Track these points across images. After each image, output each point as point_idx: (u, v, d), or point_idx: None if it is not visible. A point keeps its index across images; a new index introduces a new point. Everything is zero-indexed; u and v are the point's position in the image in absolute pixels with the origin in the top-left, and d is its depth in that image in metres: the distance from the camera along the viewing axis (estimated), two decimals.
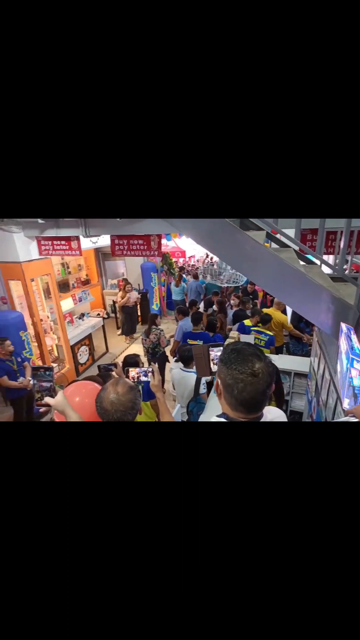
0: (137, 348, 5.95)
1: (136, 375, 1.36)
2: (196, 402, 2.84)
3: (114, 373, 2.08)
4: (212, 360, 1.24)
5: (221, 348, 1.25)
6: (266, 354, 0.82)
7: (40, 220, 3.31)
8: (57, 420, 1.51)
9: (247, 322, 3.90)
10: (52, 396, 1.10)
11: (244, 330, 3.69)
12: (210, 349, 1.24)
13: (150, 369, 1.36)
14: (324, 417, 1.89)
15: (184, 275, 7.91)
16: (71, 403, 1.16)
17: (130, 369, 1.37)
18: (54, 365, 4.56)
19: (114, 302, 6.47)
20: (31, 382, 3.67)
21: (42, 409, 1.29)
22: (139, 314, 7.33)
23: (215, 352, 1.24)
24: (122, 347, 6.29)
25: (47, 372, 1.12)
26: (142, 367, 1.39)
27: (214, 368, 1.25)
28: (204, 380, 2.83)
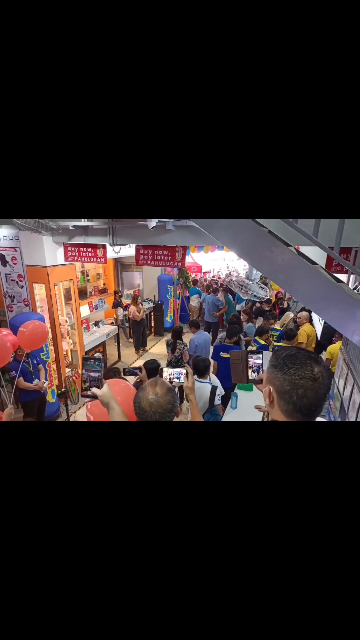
0: (141, 363, 5.96)
1: (169, 377, 1.34)
2: (211, 414, 2.78)
3: (138, 377, 2.07)
4: (251, 367, 1.22)
5: (260, 355, 1.23)
6: None
7: (70, 227, 3.43)
8: (90, 415, 1.50)
9: (259, 339, 3.99)
10: (99, 387, 1.09)
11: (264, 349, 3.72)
12: (249, 355, 1.22)
13: (185, 371, 1.35)
14: None
15: (197, 288, 8.01)
16: None
17: (164, 369, 1.36)
18: (68, 370, 4.58)
19: (127, 317, 6.51)
20: (45, 383, 3.67)
21: (87, 400, 1.28)
22: (152, 325, 7.37)
23: (254, 360, 1.22)
24: (134, 357, 6.28)
25: (97, 363, 1.10)
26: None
27: (251, 375, 1.23)
28: (218, 391, 2.81)
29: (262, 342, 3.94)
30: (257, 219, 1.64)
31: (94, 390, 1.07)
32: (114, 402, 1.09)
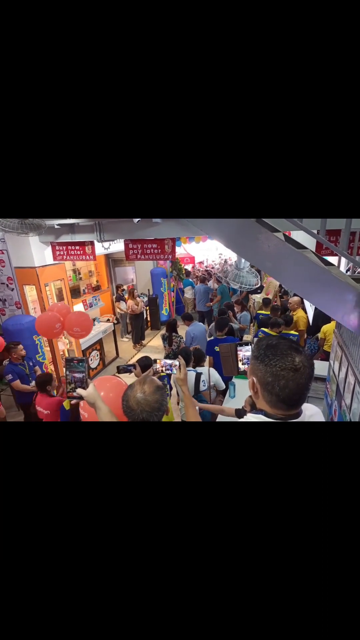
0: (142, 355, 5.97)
1: (161, 368, 1.35)
2: (197, 400, 2.83)
3: (133, 374, 2.06)
4: (241, 360, 1.22)
5: (249, 347, 1.23)
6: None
7: (56, 226, 3.37)
8: (85, 413, 1.50)
9: (267, 330, 3.94)
10: (84, 388, 1.09)
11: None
12: (239, 348, 1.22)
13: (177, 362, 1.35)
14: (349, 420, 1.84)
15: (189, 279, 7.99)
16: None
17: (157, 360, 1.37)
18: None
19: (126, 311, 6.45)
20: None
21: (73, 401, 1.31)
22: (148, 319, 7.35)
23: (244, 352, 1.22)
24: (132, 353, 6.28)
25: (80, 363, 1.11)
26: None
27: (242, 367, 1.23)
28: (203, 377, 2.88)
29: (274, 334, 3.90)
30: None
31: (79, 391, 1.07)
32: (100, 401, 1.09)
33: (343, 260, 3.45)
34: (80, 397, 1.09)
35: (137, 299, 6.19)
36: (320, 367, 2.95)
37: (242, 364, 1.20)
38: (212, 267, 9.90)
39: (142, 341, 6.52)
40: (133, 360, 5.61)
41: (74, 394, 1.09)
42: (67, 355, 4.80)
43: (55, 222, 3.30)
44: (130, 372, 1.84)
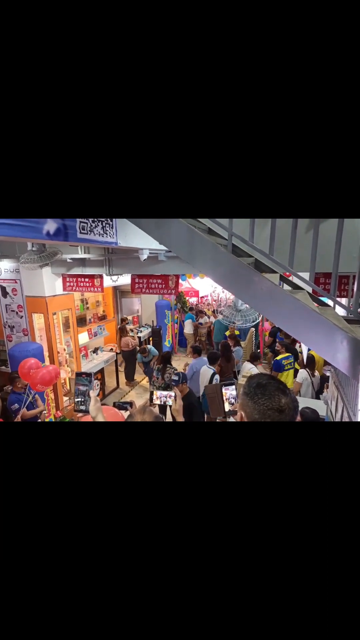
0: (133, 394, 5.76)
1: (158, 399, 1.41)
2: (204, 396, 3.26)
3: (128, 412, 2.09)
4: (227, 399, 1.26)
5: (234, 386, 1.28)
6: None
7: (68, 259, 3.59)
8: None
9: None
10: (86, 400, 1.22)
11: (279, 367, 4.06)
12: (224, 387, 1.26)
13: (173, 394, 1.40)
14: None
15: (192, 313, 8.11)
16: None
17: (154, 392, 1.43)
18: (66, 398, 4.57)
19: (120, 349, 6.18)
20: (44, 411, 3.67)
21: (80, 415, 1.45)
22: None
23: (230, 391, 1.26)
24: (126, 389, 6.12)
25: (86, 378, 1.25)
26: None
27: (227, 407, 1.26)
28: (217, 377, 3.44)
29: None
30: (241, 253, 1.76)
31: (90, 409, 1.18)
32: (101, 416, 1.17)
33: (343, 301, 3.57)
34: (87, 411, 1.21)
35: (131, 333, 6.02)
36: (318, 407, 2.92)
37: (229, 403, 1.24)
38: (214, 301, 10.08)
39: (134, 380, 6.22)
40: (129, 396, 5.53)
41: (81, 407, 1.21)
42: (67, 384, 4.82)
43: (68, 256, 3.53)
44: (127, 409, 1.86)
